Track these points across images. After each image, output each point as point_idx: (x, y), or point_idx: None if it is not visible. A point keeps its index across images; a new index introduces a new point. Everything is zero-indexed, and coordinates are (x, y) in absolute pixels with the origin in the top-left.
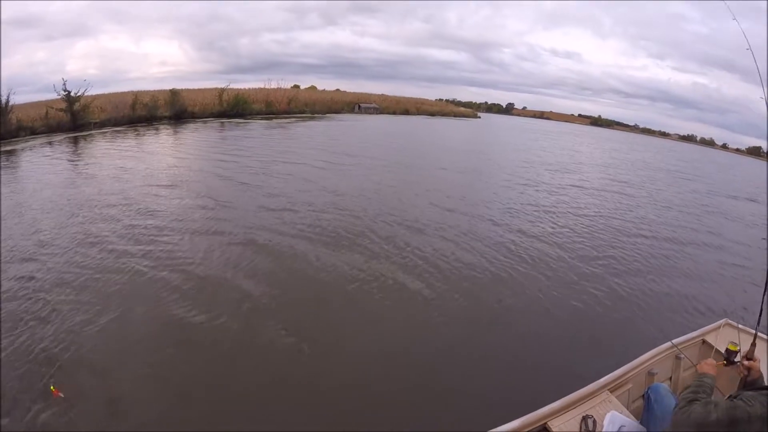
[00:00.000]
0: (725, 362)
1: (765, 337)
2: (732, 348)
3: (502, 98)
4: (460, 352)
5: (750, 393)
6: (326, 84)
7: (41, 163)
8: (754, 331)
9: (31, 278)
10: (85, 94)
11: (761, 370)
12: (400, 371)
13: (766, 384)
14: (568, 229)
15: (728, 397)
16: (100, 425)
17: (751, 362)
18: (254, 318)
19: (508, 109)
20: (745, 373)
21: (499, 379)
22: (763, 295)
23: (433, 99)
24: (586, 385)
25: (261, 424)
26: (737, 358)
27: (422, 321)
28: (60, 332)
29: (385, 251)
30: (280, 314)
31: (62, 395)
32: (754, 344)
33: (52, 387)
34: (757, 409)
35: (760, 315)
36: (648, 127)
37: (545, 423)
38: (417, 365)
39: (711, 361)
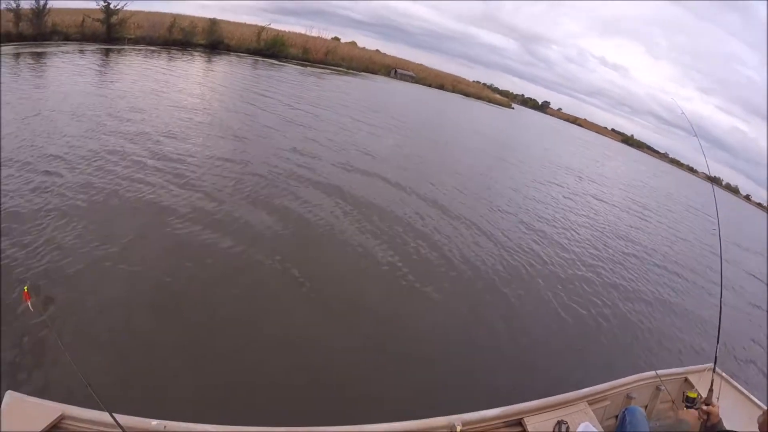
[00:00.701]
0: (686, 407)
1: (738, 387)
2: (691, 395)
3: (539, 94)
4: (455, 337)
5: None
6: (367, 42)
7: (71, 70)
8: (735, 384)
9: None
10: (126, 8)
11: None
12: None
13: (725, 429)
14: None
15: None
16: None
17: (710, 408)
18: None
19: (543, 107)
20: (704, 417)
21: (486, 370)
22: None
23: (471, 80)
24: (567, 392)
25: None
26: (697, 405)
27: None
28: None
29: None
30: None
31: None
32: (711, 390)
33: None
34: None
35: (716, 359)
36: (677, 158)
37: (521, 418)
38: (400, 345)
39: (694, 412)
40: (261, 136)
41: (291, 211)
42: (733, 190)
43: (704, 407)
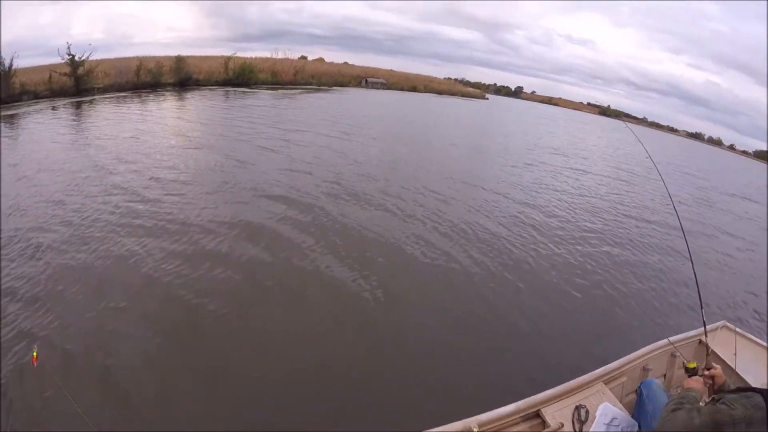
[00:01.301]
0: (688, 376)
1: (754, 339)
2: (691, 365)
3: (511, 81)
4: (463, 331)
5: (732, 396)
6: (334, 56)
7: (44, 127)
8: (751, 336)
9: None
10: (90, 58)
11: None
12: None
13: (734, 389)
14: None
15: (710, 400)
16: None
17: (713, 371)
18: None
19: (517, 93)
20: (710, 382)
21: (496, 364)
22: None
23: (442, 77)
24: (581, 375)
25: None
26: (699, 373)
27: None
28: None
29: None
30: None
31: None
32: (708, 354)
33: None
34: (740, 412)
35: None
36: (656, 121)
37: (539, 409)
38: (406, 343)
39: (697, 378)
40: (248, 163)
41: (287, 237)
42: (717, 143)
43: (706, 372)
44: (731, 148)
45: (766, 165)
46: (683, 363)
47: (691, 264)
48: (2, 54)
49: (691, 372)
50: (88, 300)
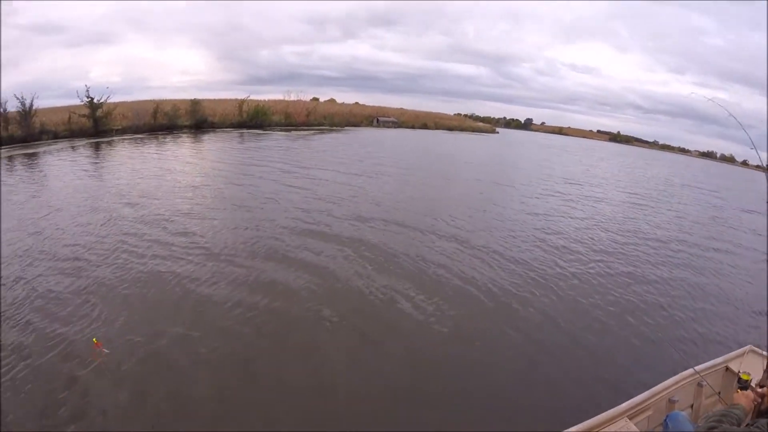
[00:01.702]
0: (739, 390)
1: None
2: (745, 377)
3: (520, 113)
4: (481, 368)
5: (764, 421)
6: (345, 97)
7: (69, 167)
8: None
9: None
10: (108, 101)
11: None
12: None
13: None
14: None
15: (747, 425)
16: None
17: (765, 390)
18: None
19: (527, 125)
20: (759, 400)
21: (518, 402)
22: None
23: (452, 113)
24: (606, 410)
25: None
26: (748, 387)
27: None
28: None
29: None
30: None
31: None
32: (767, 371)
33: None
34: None
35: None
36: (667, 143)
37: None
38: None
39: (749, 393)
40: (271, 200)
41: (316, 263)
42: (729, 160)
43: (759, 389)
44: (744, 163)
45: None
46: (738, 373)
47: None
48: (22, 95)
49: (743, 384)
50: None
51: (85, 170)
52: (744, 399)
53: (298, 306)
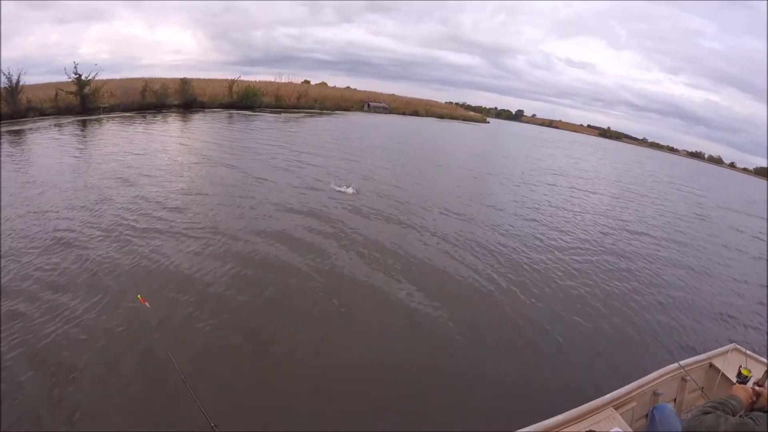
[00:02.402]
0: (738, 382)
1: (765, 361)
2: (745, 373)
3: (512, 104)
4: (470, 358)
5: (759, 414)
6: (337, 81)
7: (51, 144)
8: (762, 359)
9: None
10: (96, 78)
11: None
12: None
13: None
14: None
15: (740, 416)
16: None
17: (762, 389)
18: None
19: (518, 116)
20: (754, 398)
21: (505, 391)
22: None
23: (444, 101)
24: (591, 400)
25: None
26: (749, 383)
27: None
28: None
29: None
30: None
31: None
32: (717, 377)
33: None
34: (763, 429)
35: None
36: (656, 141)
37: None
38: (417, 370)
39: (747, 387)
40: (263, 180)
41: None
42: (717, 161)
43: (756, 388)
44: (732, 165)
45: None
46: (739, 368)
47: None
48: (9, 70)
49: (742, 378)
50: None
51: (75, 148)
52: (742, 392)
53: (302, 277)
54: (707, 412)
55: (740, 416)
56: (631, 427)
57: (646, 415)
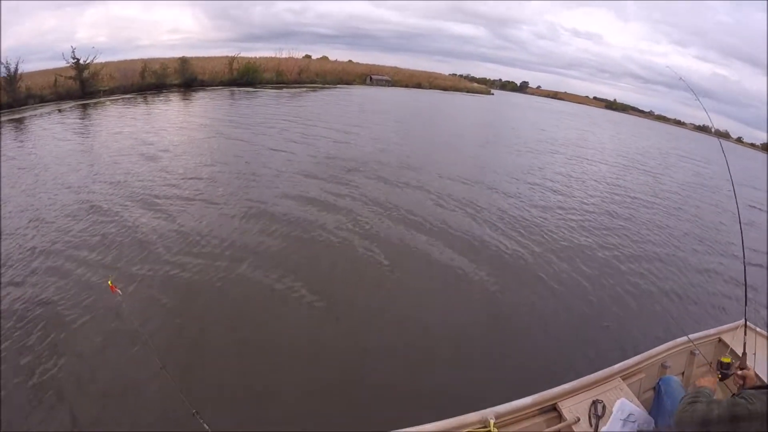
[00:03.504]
0: (720, 377)
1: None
2: (725, 360)
3: (517, 76)
4: (481, 328)
5: (751, 391)
6: (339, 54)
7: (53, 130)
8: (764, 333)
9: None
10: (95, 61)
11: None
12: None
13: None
14: (593, 212)
15: (731, 396)
16: None
17: (745, 371)
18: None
19: (522, 88)
20: (741, 382)
21: (516, 359)
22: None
23: (447, 73)
24: (599, 370)
25: None
26: (731, 370)
27: (437, 296)
28: None
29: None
30: None
31: (120, 292)
32: (745, 353)
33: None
34: (758, 407)
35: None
36: (663, 114)
37: (555, 403)
38: (435, 336)
39: (711, 378)
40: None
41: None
42: (724, 135)
43: (739, 372)
44: (739, 140)
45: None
46: (717, 359)
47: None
48: (6, 59)
49: (724, 366)
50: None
51: (79, 131)
52: (706, 382)
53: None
54: (694, 402)
55: (732, 396)
56: (638, 398)
57: (654, 388)
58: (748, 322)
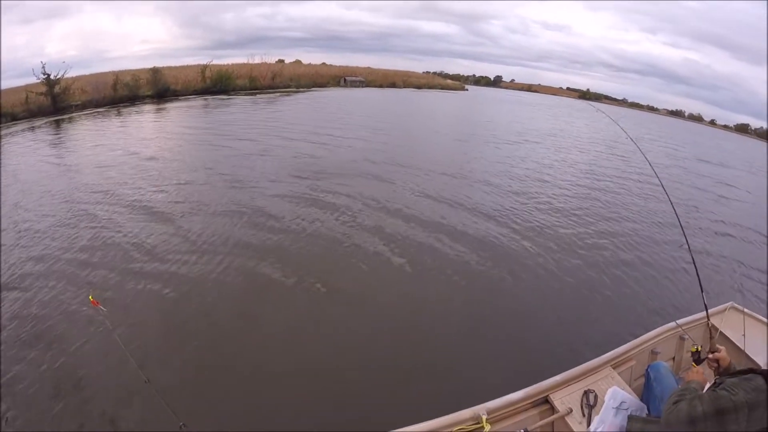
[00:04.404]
0: (694, 363)
1: (761, 318)
2: (694, 350)
3: (491, 71)
4: (464, 322)
5: (732, 380)
6: (313, 58)
7: (23, 151)
8: (760, 317)
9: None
10: (66, 76)
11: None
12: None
13: (739, 369)
14: (570, 196)
15: (711, 386)
16: None
17: (717, 354)
18: None
19: (496, 82)
20: (715, 365)
21: (504, 353)
22: None
23: (421, 71)
24: (589, 360)
25: None
26: (702, 356)
27: (416, 292)
28: None
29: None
30: None
31: (103, 308)
32: (711, 337)
33: (90, 297)
34: (741, 397)
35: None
36: (637, 101)
37: (547, 395)
38: (415, 335)
39: (699, 369)
40: (243, 167)
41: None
42: (697, 119)
43: (710, 356)
44: (712, 123)
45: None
46: (708, 341)
47: (687, 246)
48: None
49: (695, 356)
50: None
51: (52, 151)
52: (695, 375)
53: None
54: (678, 401)
55: (712, 389)
56: (630, 386)
57: (644, 374)
58: (735, 305)
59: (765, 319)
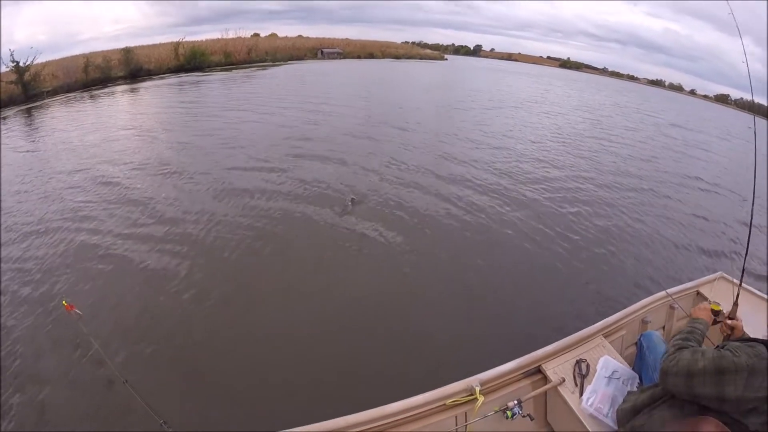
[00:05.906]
0: (714, 316)
1: (753, 291)
2: (715, 308)
3: (471, 40)
4: (455, 294)
5: (736, 344)
6: (289, 30)
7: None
8: (748, 287)
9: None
10: (35, 62)
11: (746, 327)
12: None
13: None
14: (556, 168)
15: (716, 347)
16: None
17: (734, 322)
18: None
19: (476, 51)
20: (728, 332)
21: (495, 324)
22: (747, 246)
23: (400, 41)
24: (581, 329)
25: None
26: (720, 318)
27: (405, 264)
28: None
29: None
30: None
31: (79, 312)
32: (736, 304)
33: (64, 302)
34: (743, 360)
35: (743, 271)
36: (617, 70)
37: (540, 365)
38: (403, 307)
39: (705, 305)
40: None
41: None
42: (677, 88)
43: (728, 321)
44: (692, 93)
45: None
46: (709, 303)
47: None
48: None
49: (715, 313)
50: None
51: (26, 140)
52: (702, 312)
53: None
54: (681, 347)
55: (717, 348)
56: (621, 354)
57: (636, 343)
58: (725, 275)
59: (755, 290)
